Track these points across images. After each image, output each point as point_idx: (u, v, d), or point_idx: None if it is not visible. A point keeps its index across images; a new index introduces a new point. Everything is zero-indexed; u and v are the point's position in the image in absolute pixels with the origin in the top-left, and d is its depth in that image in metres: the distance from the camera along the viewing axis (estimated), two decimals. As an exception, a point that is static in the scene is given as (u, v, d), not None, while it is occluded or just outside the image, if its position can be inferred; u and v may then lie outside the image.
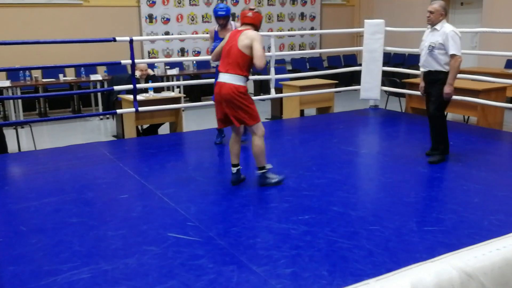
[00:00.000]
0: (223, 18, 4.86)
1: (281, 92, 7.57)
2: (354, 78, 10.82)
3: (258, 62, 3.77)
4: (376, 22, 7.06)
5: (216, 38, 4.89)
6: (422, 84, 4.74)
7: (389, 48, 7.29)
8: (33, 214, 3.53)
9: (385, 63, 7.31)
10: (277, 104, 8.08)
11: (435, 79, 4.51)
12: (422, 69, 4.68)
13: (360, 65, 7.45)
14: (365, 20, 7.20)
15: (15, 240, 3.08)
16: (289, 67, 11.59)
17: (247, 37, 3.80)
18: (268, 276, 2.58)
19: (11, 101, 8.29)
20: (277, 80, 7.16)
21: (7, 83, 8.01)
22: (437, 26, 4.52)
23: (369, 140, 6.06)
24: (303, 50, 12.39)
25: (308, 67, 11.87)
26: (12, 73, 8.63)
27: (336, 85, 7.75)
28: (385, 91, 7.47)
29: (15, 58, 8.37)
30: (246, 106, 3.83)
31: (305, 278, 2.55)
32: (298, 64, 11.78)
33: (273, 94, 7.01)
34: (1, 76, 8.67)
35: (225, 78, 3.83)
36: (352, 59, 12.53)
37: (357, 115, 7.18)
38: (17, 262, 2.78)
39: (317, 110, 7.91)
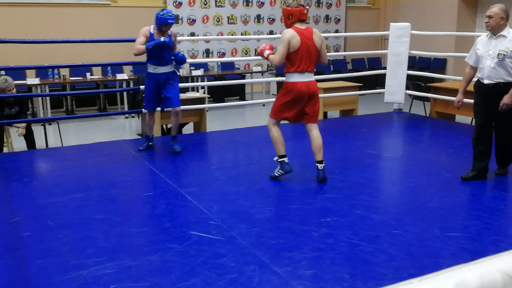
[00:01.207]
0: (170, 26, 4.88)
1: (305, 94, 7.56)
2: (378, 81, 10.73)
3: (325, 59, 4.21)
4: (402, 25, 7.01)
5: (152, 39, 4.82)
6: (461, 97, 4.27)
7: (414, 52, 7.23)
8: (60, 210, 3.61)
9: (409, 67, 7.25)
10: (300, 106, 8.08)
11: (502, 92, 3.94)
12: (486, 81, 4.02)
13: (385, 68, 7.40)
14: (391, 23, 7.15)
15: (42, 234, 3.16)
16: (313, 69, 11.57)
17: (320, 36, 4.07)
18: (289, 277, 2.59)
19: (40, 98, 8.48)
20: (301, 82, 7.15)
21: (36, 81, 8.20)
22: (504, 32, 3.96)
23: (393, 143, 6.02)
24: (327, 52, 12.35)
25: (332, 69, 11.83)
26: (41, 71, 8.82)
27: (360, 88, 7.72)
28: (410, 95, 7.41)
29: (45, 56, 8.56)
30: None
31: (326, 280, 2.55)
32: (322, 66, 11.73)
33: (296, 96, 7.01)
34: (31, 74, 8.89)
35: (310, 76, 4.07)
36: (377, 62, 12.45)
37: (380, 118, 7.13)
38: (44, 255, 2.85)
39: (340, 112, 7.88)
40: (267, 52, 4.10)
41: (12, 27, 8.85)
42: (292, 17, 3.99)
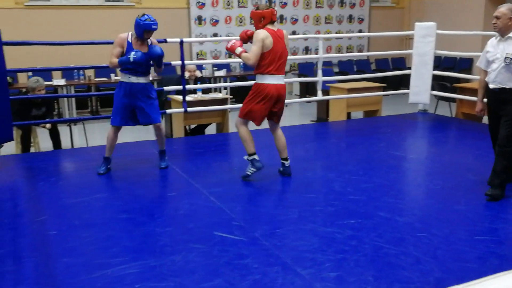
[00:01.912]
0: (152, 32, 4.29)
1: (328, 95, 7.52)
2: (403, 82, 10.61)
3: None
4: (427, 25, 6.91)
5: (130, 49, 4.22)
6: (481, 105, 4.03)
7: (439, 52, 7.12)
8: (85, 209, 3.66)
9: (435, 67, 7.13)
10: (323, 107, 8.04)
11: (509, 98, 3.72)
12: (492, 86, 3.81)
13: (409, 68, 7.31)
14: (416, 23, 7.05)
15: (68, 233, 3.21)
16: (336, 70, 11.50)
17: (288, 39, 4.14)
18: (313, 279, 2.57)
19: (65, 99, 8.63)
20: (324, 82, 7.12)
21: (62, 82, 8.35)
22: None
23: (418, 145, 5.93)
24: (350, 52, 12.27)
25: (355, 69, 11.74)
26: (67, 72, 8.97)
27: (384, 89, 7.63)
28: (435, 96, 7.30)
29: (70, 57, 8.69)
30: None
31: (350, 283, 2.53)
32: (345, 67, 11.67)
33: (320, 96, 6.98)
34: (57, 75, 9.04)
35: (281, 79, 4.09)
36: (401, 62, 12.31)
37: (405, 119, 7.04)
38: (70, 254, 2.89)
39: (364, 113, 7.81)
40: (239, 49, 4.06)
41: (39, 29, 9.02)
42: (264, 19, 4.00)
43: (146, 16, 4.19)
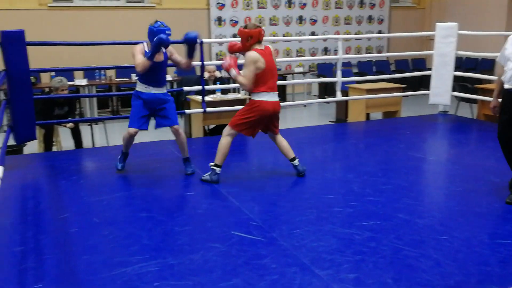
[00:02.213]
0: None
1: (347, 95, 7.49)
2: (423, 83, 10.50)
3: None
4: (449, 25, 6.83)
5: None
6: (495, 102, 3.91)
7: (461, 52, 7.02)
8: (106, 207, 3.70)
9: (456, 68, 7.04)
10: (342, 107, 8.01)
11: None
12: (507, 86, 3.65)
13: (429, 69, 7.23)
14: (437, 23, 6.98)
15: (89, 231, 3.25)
16: (355, 70, 11.44)
17: (274, 54, 4.17)
18: (331, 280, 2.57)
19: (87, 99, 8.74)
20: (343, 83, 7.09)
21: (84, 82, 8.47)
22: None
23: (438, 146, 5.87)
24: (369, 53, 12.19)
25: (374, 70, 11.66)
26: (88, 72, 9.10)
27: (404, 89, 7.57)
28: (456, 97, 7.20)
29: (92, 58, 8.81)
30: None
31: (369, 285, 2.51)
32: (364, 68, 11.60)
33: (339, 96, 6.95)
34: (79, 75, 9.17)
35: (275, 96, 4.14)
36: (421, 63, 12.19)
37: (425, 120, 6.97)
38: (91, 252, 2.94)
39: (383, 114, 7.75)
40: (233, 72, 4.02)
41: (62, 30, 9.17)
42: (251, 39, 3.99)
43: (159, 23, 4.15)
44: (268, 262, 2.78)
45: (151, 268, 2.72)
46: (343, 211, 3.57)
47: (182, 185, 4.25)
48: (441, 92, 6.92)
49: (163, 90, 4.38)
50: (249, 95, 4.16)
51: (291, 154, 4.33)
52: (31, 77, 5.59)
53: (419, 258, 2.80)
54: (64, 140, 6.27)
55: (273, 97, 4.10)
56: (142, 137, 6.31)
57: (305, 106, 10.20)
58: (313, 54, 11.79)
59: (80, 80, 8.51)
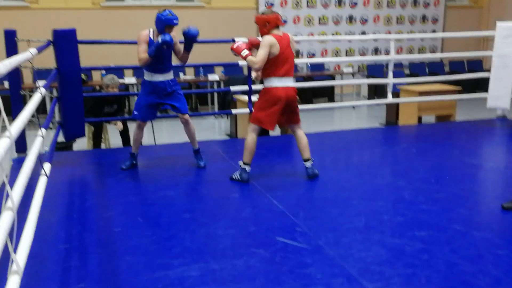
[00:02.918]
0: (173, 27, 4.24)
1: (398, 97, 7.24)
2: (479, 85, 10.05)
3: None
4: (511, 25, 6.46)
5: (152, 43, 4.23)
6: None
7: (523, 54, 6.63)
8: (150, 207, 3.69)
9: (517, 70, 6.65)
10: (393, 110, 7.76)
11: None
12: None
13: (486, 71, 6.87)
14: (497, 23, 6.62)
15: (132, 230, 3.23)
16: (407, 72, 11.09)
17: (294, 41, 4.16)
18: (380, 294, 2.42)
19: (136, 97, 8.86)
20: (394, 84, 6.85)
21: (133, 80, 8.59)
22: None
23: (495, 153, 5.54)
24: (422, 54, 11.78)
25: (427, 72, 11.26)
26: (138, 71, 9.21)
27: (459, 92, 7.24)
28: (516, 101, 6.81)
29: (141, 57, 8.92)
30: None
31: (422, 302, 2.35)
32: (417, 69, 11.23)
33: (390, 98, 6.72)
34: (129, 73, 9.32)
35: (289, 82, 4.08)
36: (477, 64, 11.68)
37: (482, 125, 6.62)
38: (133, 252, 2.91)
39: (436, 117, 7.45)
40: (245, 52, 4.00)
41: (114, 29, 9.34)
42: (269, 24, 3.99)
43: (167, 12, 4.17)
44: (313, 272, 2.66)
45: (193, 273, 2.66)
46: (393, 219, 3.39)
47: (226, 187, 4.18)
48: (500, 95, 6.55)
49: (170, 76, 4.43)
50: (262, 83, 4.14)
51: (307, 154, 4.24)
52: (83, 75, 5.70)
53: (477, 274, 2.61)
54: (113, 137, 6.36)
55: (285, 82, 4.05)
56: (184, 136, 6.31)
57: (353, 108, 9.97)
58: (362, 55, 11.52)
59: (129, 78, 8.65)
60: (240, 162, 4.20)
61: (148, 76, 4.38)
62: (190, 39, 4.34)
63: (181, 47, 4.48)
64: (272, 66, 4.00)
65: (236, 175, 4.22)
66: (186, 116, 4.49)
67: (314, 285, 2.51)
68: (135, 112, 4.50)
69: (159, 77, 4.35)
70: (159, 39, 4.09)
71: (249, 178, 4.17)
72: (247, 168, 4.17)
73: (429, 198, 3.78)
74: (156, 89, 4.37)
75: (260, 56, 3.94)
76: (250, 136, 4.15)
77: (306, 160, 4.25)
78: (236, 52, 4.07)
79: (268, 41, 3.95)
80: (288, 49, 4.05)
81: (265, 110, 4.07)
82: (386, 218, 3.42)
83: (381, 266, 2.71)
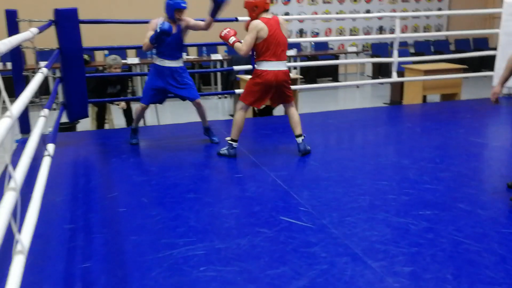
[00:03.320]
0: (183, 11, 4.33)
1: (403, 76, 7.17)
2: (484, 64, 9.96)
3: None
4: (518, 1, 6.36)
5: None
6: (497, 88, 3.54)
7: (530, 31, 6.54)
8: (154, 187, 3.69)
9: (524, 48, 6.56)
10: (398, 89, 7.70)
11: None
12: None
13: (492, 49, 6.78)
14: (505, 0, 6.51)
15: (137, 211, 3.24)
16: (412, 50, 10.98)
17: (285, 24, 4.21)
18: (385, 272, 2.42)
19: (139, 77, 8.82)
20: (399, 63, 6.78)
21: (136, 60, 8.53)
22: None
23: (502, 132, 5.51)
24: (428, 32, 11.65)
25: (432, 50, 11.15)
26: (140, 51, 9.13)
27: (464, 71, 7.16)
28: (523, 79, 6.73)
29: (144, 37, 8.85)
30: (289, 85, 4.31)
31: (426, 280, 2.35)
32: (422, 47, 11.11)
33: (394, 77, 6.65)
34: (131, 53, 9.25)
35: (280, 65, 4.11)
36: (483, 42, 11.54)
37: (487, 103, 6.54)
38: (138, 232, 2.91)
39: (441, 96, 7.39)
40: (233, 38, 4.09)
41: (116, 8, 9.25)
42: (257, 9, 4.04)
43: None
44: (318, 251, 2.66)
45: (198, 252, 2.66)
46: (398, 199, 3.38)
47: (231, 167, 4.18)
48: (506, 73, 6.48)
49: (179, 63, 4.48)
50: (256, 64, 4.19)
51: (299, 131, 4.31)
52: (85, 56, 5.65)
53: (482, 253, 2.60)
54: (116, 118, 6.35)
55: (276, 66, 4.09)
56: (191, 116, 6.27)
57: (358, 87, 9.91)
58: (367, 33, 11.40)
59: (132, 59, 8.59)
60: (228, 138, 4.30)
61: (157, 61, 4.45)
62: (219, 3, 4.29)
63: (197, 22, 4.51)
64: (263, 49, 4.04)
65: (223, 151, 4.30)
66: (198, 100, 4.59)
67: (318, 264, 2.52)
68: (142, 97, 4.61)
69: (167, 63, 4.41)
70: (158, 28, 4.10)
71: (236, 154, 4.26)
72: (234, 144, 4.27)
73: (434, 177, 3.76)
74: (163, 73, 4.43)
75: (246, 42, 4.00)
76: (238, 114, 4.25)
77: (298, 136, 4.32)
78: (224, 39, 4.15)
79: (254, 26, 4.00)
80: (277, 31, 4.06)
81: (253, 91, 4.16)
82: (390, 197, 3.41)
83: (385, 245, 2.71)
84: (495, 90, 3.57)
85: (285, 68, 4.16)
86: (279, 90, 4.20)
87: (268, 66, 4.07)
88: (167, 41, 4.29)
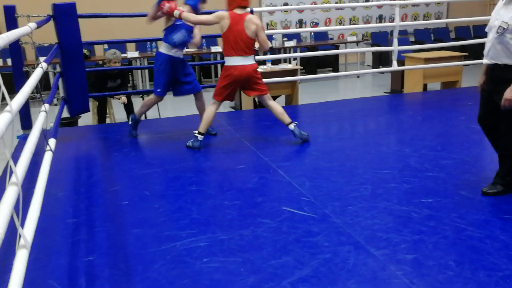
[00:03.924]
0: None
1: (403, 65, 7.15)
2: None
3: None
4: (518, -13, 6.30)
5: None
6: (482, 79, 3.31)
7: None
8: (156, 180, 3.70)
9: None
10: (398, 77, 7.68)
11: (504, 78, 3.00)
12: (485, 60, 3.18)
13: (495, 35, 6.75)
14: (504, -15, 6.46)
15: (139, 204, 3.25)
16: (412, 39, 10.93)
17: (254, 23, 4.15)
18: (388, 260, 2.43)
19: (139, 71, 8.81)
20: (399, 52, 6.76)
21: (135, 54, 8.51)
22: None
23: (503, 119, 5.49)
24: (428, 20, 11.59)
25: (432, 38, 11.10)
26: (140, 44, 9.14)
27: (465, 58, 7.13)
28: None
29: (143, 30, 8.81)
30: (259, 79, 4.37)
31: (429, 267, 2.36)
32: (422, 36, 11.06)
33: (395, 66, 6.63)
34: (131, 47, 9.23)
35: (245, 60, 4.19)
36: (483, 30, 11.46)
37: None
38: (141, 225, 2.92)
39: (442, 84, 7.37)
40: (177, 12, 4.10)
41: (114, 3, 9.21)
42: (233, 3, 4.14)
43: None
44: (320, 240, 2.67)
45: (201, 243, 2.67)
46: (400, 187, 3.39)
47: (232, 159, 4.18)
48: (506, 60, 6.45)
49: (183, 54, 4.63)
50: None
51: (286, 119, 4.38)
52: (85, 50, 5.64)
53: (484, 239, 2.61)
54: (117, 112, 6.35)
55: (242, 61, 4.18)
56: (191, 109, 6.28)
57: (358, 77, 9.88)
58: (366, 22, 11.34)
59: (132, 53, 8.57)
60: (195, 132, 4.36)
61: (171, 51, 4.49)
62: None
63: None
64: (224, 43, 4.17)
65: (190, 143, 4.38)
66: (201, 91, 4.74)
67: (321, 254, 2.53)
68: (158, 90, 4.58)
69: (180, 53, 4.54)
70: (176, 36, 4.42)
71: (201, 147, 4.34)
72: (200, 137, 4.35)
73: (435, 165, 3.77)
74: (175, 65, 4.54)
75: (200, 16, 4.18)
76: (209, 109, 4.37)
77: (288, 124, 4.37)
78: (169, 13, 4.16)
79: (218, 13, 4.17)
80: (239, 28, 4.11)
81: (222, 85, 4.28)
82: (392, 185, 3.42)
83: (388, 233, 2.71)
84: (479, 81, 3.40)
85: (252, 63, 4.25)
86: (248, 83, 4.29)
87: (234, 61, 4.18)
88: (187, 33, 4.45)
